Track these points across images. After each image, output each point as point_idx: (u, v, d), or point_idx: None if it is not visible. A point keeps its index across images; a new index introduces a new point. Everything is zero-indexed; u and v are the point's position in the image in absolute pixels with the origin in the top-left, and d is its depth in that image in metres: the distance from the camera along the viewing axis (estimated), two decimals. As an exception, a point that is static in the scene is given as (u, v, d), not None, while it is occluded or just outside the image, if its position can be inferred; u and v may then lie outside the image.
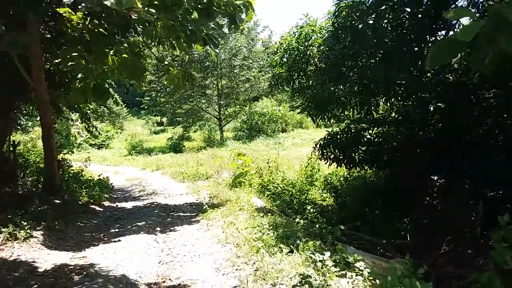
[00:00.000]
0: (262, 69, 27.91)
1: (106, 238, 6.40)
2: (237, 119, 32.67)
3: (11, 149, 9.66)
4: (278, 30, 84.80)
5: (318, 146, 9.52)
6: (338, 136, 8.80)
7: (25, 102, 10.22)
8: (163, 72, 25.70)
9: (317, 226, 5.67)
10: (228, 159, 17.09)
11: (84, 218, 7.93)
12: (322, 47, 8.99)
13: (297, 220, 5.96)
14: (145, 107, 36.72)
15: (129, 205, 10.17)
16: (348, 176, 12.27)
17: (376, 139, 8.28)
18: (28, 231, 5.75)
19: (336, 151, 9.00)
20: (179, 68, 9.32)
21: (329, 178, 11.86)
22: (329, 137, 9.28)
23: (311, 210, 6.01)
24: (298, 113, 10.49)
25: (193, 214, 8.43)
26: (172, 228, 7.03)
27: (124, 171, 19.20)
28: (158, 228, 7.10)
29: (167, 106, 28.57)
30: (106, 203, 10.23)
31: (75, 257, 5.33)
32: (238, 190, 10.21)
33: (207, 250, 5.42)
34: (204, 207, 8.29)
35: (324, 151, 9.61)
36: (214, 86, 28.22)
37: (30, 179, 9.37)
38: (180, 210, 9.10)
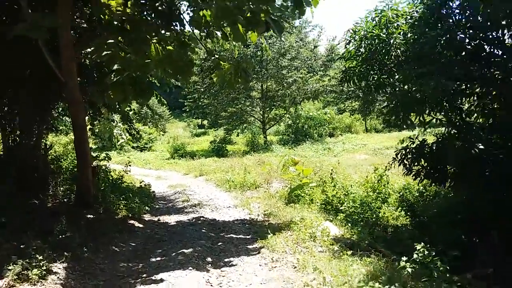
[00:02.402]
0: (310, 70, 26.17)
1: (144, 275, 4.99)
2: (281, 122, 31.07)
3: (43, 153, 8.59)
4: (328, 29, 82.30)
5: (399, 156, 7.76)
6: (431, 145, 6.99)
7: (59, 101, 9.17)
8: (208, 71, 24.70)
9: (435, 273, 3.99)
10: (278, 167, 15.56)
11: (120, 240, 6.63)
12: (409, 35, 7.24)
13: (402, 264, 4.28)
14: (187, 110, 35.99)
15: (172, 219, 8.84)
16: (423, 190, 10.35)
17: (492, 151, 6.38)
18: (46, 265, 4.45)
19: (426, 163, 7.19)
20: (231, 62, 7.89)
21: (405, 194, 9.97)
22: (415, 145, 7.50)
23: (421, 249, 4.33)
24: (381, 114, 8.77)
25: (248, 237, 6.93)
26: (226, 260, 5.54)
27: (167, 176, 18.11)
28: (209, 259, 5.63)
29: (210, 108, 27.47)
30: (147, 217, 8.96)
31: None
32: (298, 207, 8.62)
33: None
34: (263, 230, 6.79)
35: (406, 162, 7.83)
36: (259, 88, 26.82)
37: (62, 188, 8.24)
38: (232, 230, 7.63)
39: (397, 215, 9.58)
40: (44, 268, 4.43)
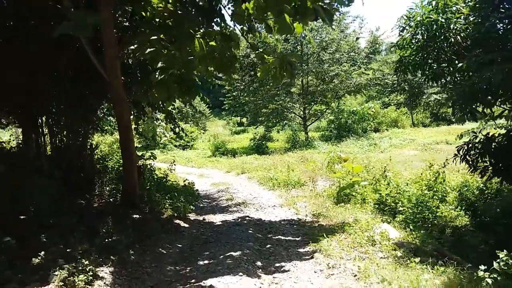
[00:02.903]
0: (353, 63, 25.18)
1: (193, 280, 4.75)
2: (323, 118, 30.27)
3: (89, 153, 8.63)
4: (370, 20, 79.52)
5: (462, 152, 7.10)
6: (501, 140, 6.30)
7: (104, 101, 9.18)
8: (248, 68, 24.46)
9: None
10: (323, 164, 15.04)
11: (166, 241, 6.47)
12: (471, 18, 6.56)
13: (480, 274, 3.76)
14: (226, 107, 35.98)
15: (217, 219, 8.64)
16: (484, 188, 9.51)
17: None
18: (92, 270, 4.30)
19: (494, 160, 6.51)
20: (275, 56, 7.53)
21: (464, 192, 9.19)
22: (479, 140, 6.82)
23: (504, 257, 3.78)
24: (449, 107, 8.02)
25: (297, 239, 6.56)
26: (277, 265, 5.20)
27: (209, 174, 18.07)
28: (259, 263, 5.32)
29: (250, 105, 27.20)
30: (192, 216, 8.81)
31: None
32: (350, 207, 8.13)
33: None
34: (313, 232, 6.40)
35: (469, 158, 7.15)
36: (299, 83, 26.21)
37: (108, 188, 8.24)
38: (279, 231, 7.29)
39: (456, 214, 8.85)
40: (91, 273, 4.28)
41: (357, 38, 26.88)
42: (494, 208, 8.55)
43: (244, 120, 45.10)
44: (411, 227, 6.31)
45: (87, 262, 4.32)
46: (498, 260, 3.80)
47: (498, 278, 3.68)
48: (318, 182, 12.24)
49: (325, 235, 6.12)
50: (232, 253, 5.77)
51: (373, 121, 28.33)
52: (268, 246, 6.26)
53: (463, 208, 8.98)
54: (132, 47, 5.74)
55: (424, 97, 30.51)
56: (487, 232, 7.71)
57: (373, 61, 28.57)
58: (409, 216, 7.00)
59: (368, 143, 23.14)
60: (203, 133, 37.32)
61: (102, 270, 4.59)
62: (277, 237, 6.88)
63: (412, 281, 3.79)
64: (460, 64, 6.10)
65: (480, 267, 3.85)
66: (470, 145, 7.16)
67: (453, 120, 30.22)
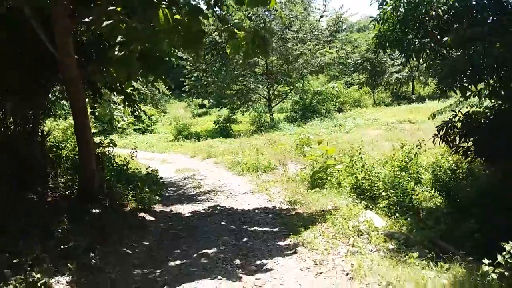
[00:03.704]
0: (317, 42, 24.76)
1: (165, 286, 4.17)
2: (287, 99, 29.87)
3: (40, 140, 7.70)
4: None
5: (442, 131, 6.86)
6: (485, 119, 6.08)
7: (57, 84, 8.19)
8: (210, 47, 23.39)
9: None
10: (291, 147, 14.67)
11: (131, 238, 5.81)
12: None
13: (485, 268, 3.45)
14: (187, 89, 34.69)
15: (185, 209, 8.04)
16: (455, 167, 9.46)
17: None
18: (45, 283, 3.61)
19: (477, 140, 6.31)
20: (247, 30, 6.88)
21: (438, 173, 9.07)
22: (459, 119, 6.59)
23: (508, 247, 3.49)
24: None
25: (275, 230, 6.11)
26: (258, 263, 4.72)
27: (172, 159, 17.25)
28: (237, 261, 4.82)
29: (213, 86, 26.27)
30: (158, 207, 8.16)
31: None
32: (325, 192, 7.77)
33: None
34: (291, 222, 5.98)
35: (449, 138, 6.94)
36: (263, 63, 25.55)
37: (63, 180, 7.39)
38: (254, 221, 6.81)
39: (430, 196, 8.72)
40: (44, 285, 3.60)
41: (321, 17, 26.45)
42: (468, 189, 8.51)
43: (206, 102, 43.97)
44: (397, 214, 6.01)
45: (38, 276, 3.62)
46: (503, 253, 3.51)
47: (506, 273, 3.39)
48: (289, 166, 11.84)
49: (305, 225, 5.72)
50: (206, 250, 5.23)
51: (336, 101, 28.28)
52: (245, 239, 5.76)
53: (437, 189, 8.90)
54: (87, 19, 4.91)
55: (386, 76, 30.86)
56: (463, 213, 7.63)
57: (336, 40, 28.30)
58: (392, 202, 6.70)
59: (333, 123, 23.03)
60: (163, 116, 35.99)
61: (58, 281, 3.91)
62: (252, 228, 6.40)
63: (417, 282, 3.42)
64: (446, 38, 5.75)
65: (483, 260, 3.54)
66: (450, 124, 6.93)
67: (414, 99, 30.95)
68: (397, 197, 7.58)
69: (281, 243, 5.43)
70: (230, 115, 28.18)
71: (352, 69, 31.75)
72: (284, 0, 23.71)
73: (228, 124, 26.68)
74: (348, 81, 32.81)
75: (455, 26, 5.98)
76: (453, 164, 9.27)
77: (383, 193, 7.05)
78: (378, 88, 32.11)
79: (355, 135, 18.98)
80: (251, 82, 25.61)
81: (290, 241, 5.39)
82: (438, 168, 9.39)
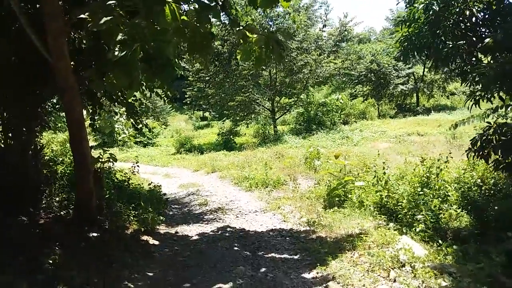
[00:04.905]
0: (323, 51, 24.14)
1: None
2: (291, 111, 29.24)
3: (34, 154, 6.99)
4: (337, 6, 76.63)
5: (476, 146, 6.16)
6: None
7: (55, 95, 7.51)
8: (213, 57, 22.77)
9: None
10: (300, 160, 13.95)
11: (133, 268, 5.07)
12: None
13: None
14: (188, 101, 34.03)
15: (192, 231, 7.31)
16: (481, 183, 8.73)
17: None
18: None
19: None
20: (261, 33, 6.23)
21: (465, 189, 8.32)
22: (496, 130, 5.89)
23: None
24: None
25: (296, 258, 5.36)
26: (285, 304, 3.98)
27: (175, 173, 16.52)
28: (259, 301, 4.08)
29: (216, 98, 25.62)
30: (162, 229, 7.44)
31: None
32: (347, 212, 7.03)
33: None
34: (314, 248, 5.24)
35: (483, 152, 6.23)
36: (267, 74, 24.96)
37: (57, 198, 6.66)
38: (271, 246, 6.07)
39: (455, 214, 7.95)
40: None
41: (324, 26, 25.99)
42: (493, 205, 7.77)
43: (207, 114, 43.42)
44: (439, 240, 5.27)
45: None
46: None
47: None
48: (299, 181, 11.14)
49: (331, 253, 4.98)
50: (221, 285, 4.48)
51: (341, 113, 27.67)
52: (263, 270, 5.02)
53: (464, 207, 8.15)
54: (83, 15, 4.26)
55: (391, 88, 30.30)
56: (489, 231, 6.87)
57: (341, 49, 27.77)
58: (429, 225, 5.96)
59: (339, 136, 22.37)
60: (165, 128, 35.38)
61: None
62: (270, 255, 5.66)
63: None
64: (487, 40, 5.10)
65: None
66: (484, 137, 6.23)
67: (420, 111, 30.26)
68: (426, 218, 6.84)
69: (306, 275, 4.68)
70: (233, 127, 27.52)
71: (356, 80, 31.20)
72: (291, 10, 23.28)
73: (231, 137, 26.03)
74: (352, 93, 32.26)
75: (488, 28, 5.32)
76: (478, 180, 8.59)
77: (419, 216, 6.25)
78: (382, 100, 31.55)
79: (363, 148, 18.32)
80: (254, 93, 25.03)
81: (317, 273, 4.65)
82: (464, 184, 8.69)
